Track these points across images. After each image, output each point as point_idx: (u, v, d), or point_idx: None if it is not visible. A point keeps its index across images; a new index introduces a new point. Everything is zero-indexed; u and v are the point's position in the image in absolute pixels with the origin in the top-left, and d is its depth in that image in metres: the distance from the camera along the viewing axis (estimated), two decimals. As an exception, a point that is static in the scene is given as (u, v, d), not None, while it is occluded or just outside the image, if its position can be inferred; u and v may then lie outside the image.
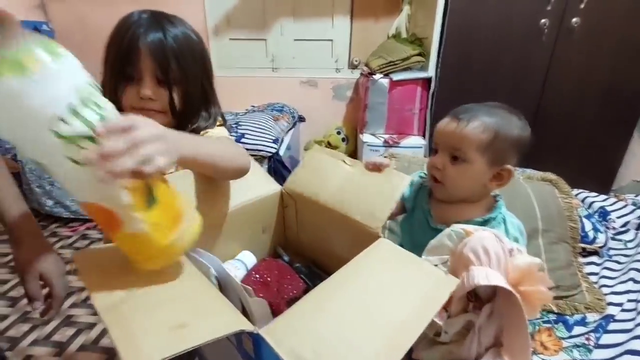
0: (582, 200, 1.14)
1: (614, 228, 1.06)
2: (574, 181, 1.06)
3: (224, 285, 0.54)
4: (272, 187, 0.73)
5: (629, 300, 0.83)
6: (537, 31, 1.76)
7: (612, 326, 0.76)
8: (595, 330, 0.76)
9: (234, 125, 1.94)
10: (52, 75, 0.35)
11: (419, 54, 1.95)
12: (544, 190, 0.99)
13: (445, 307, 0.51)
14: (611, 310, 0.81)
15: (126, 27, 0.61)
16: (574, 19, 1.68)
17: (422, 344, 0.56)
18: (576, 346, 0.73)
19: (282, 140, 2.02)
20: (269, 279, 0.64)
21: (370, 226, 0.59)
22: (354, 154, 2.52)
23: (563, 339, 0.77)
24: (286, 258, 0.75)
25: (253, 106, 2.49)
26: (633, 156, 1.89)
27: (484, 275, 0.46)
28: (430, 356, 0.55)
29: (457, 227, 0.53)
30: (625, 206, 1.11)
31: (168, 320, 0.37)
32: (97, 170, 0.33)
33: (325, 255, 0.72)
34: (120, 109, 0.61)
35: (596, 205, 1.12)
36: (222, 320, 0.39)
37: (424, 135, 2.09)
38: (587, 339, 0.74)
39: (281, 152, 1.95)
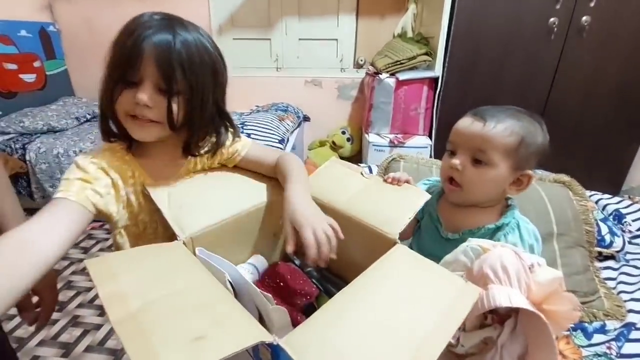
0: (596, 203, 1.12)
1: (630, 231, 1.04)
2: (582, 182, 1.04)
3: (238, 291, 0.53)
4: (282, 190, 0.71)
5: (651, 308, 0.80)
6: (546, 30, 1.73)
7: (635, 335, 0.73)
8: (616, 339, 0.74)
9: (239, 126, 1.93)
10: None
11: (426, 54, 1.93)
12: (558, 193, 0.97)
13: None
14: (632, 317, 0.79)
15: (133, 27, 0.55)
16: (584, 18, 1.66)
17: (439, 357, 0.54)
18: (597, 355, 0.71)
19: (287, 140, 2.01)
20: (281, 283, 0.63)
21: (386, 232, 0.58)
22: (358, 154, 2.50)
23: (582, 347, 0.75)
24: (297, 262, 0.74)
25: (257, 106, 2.48)
26: (643, 157, 1.87)
27: (506, 296, 0.44)
28: None
29: (473, 243, 0.51)
30: (640, 209, 1.09)
31: (187, 331, 0.36)
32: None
33: (338, 259, 0.71)
34: (115, 116, 0.58)
35: (610, 208, 1.10)
36: (242, 331, 0.37)
37: (429, 136, 2.07)
38: (609, 347, 0.72)
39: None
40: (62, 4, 2.50)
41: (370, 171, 1.22)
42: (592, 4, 1.63)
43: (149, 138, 0.60)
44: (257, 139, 1.85)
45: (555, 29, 1.72)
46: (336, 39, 2.43)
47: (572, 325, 0.81)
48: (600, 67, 1.74)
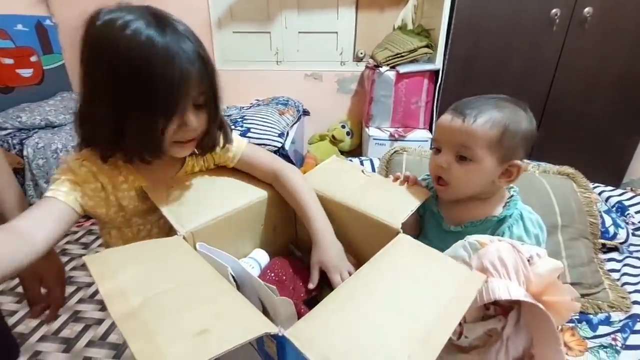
0: (599, 194, 1.12)
1: (633, 223, 1.04)
2: (584, 174, 1.03)
3: (241, 284, 0.52)
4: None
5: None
6: (547, 21, 1.72)
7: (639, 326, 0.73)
8: (621, 331, 0.74)
9: (239, 119, 1.92)
10: None
11: (426, 46, 1.92)
12: (562, 185, 0.97)
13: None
14: (636, 309, 0.79)
15: (149, 53, 0.47)
16: (587, 9, 1.64)
17: (442, 350, 0.54)
18: (602, 347, 0.71)
19: (287, 134, 2.00)
20: (284, 277, 0.63)
21: (389, 222, 0.57)
22: (358, 147, 2.49)
23: (587, 338, 0.75)
24: (299, 254, 0.74)
25: (257, 100, 2.46)
26: (645, 149, 1.86)
27: (505, 289, 0.44)
28: None
29: (472, 238, 0.51)
30: (643, 201, 1.08)
31: (190, 325, 0.35)
32: None
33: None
34: (157, 147, 0.54)
35: (613, 200, 1.10)
36: (246, 323, 0.37)
37: (430, 129, 2.06)
38: (614, 339, 0.72)
39: (287, 146, 1.92)
40: (58, -3, 2.47)
41: (372, 164, 1.21)
42: (594, -5, 1.62)
43: (187, 154, 0.61)
44: (257, 133, 1.84)
45: (557, 20, 1.70)
46: (336, 32, 2.41)
47: (577, 317, 0.81)
48: (603, 59, 1.73)
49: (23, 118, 2.05)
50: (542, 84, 1.84)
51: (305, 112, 2.51)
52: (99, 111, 0.52)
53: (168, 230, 0.62)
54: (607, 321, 0.79)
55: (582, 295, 0.86)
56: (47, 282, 0.64)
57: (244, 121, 1.90)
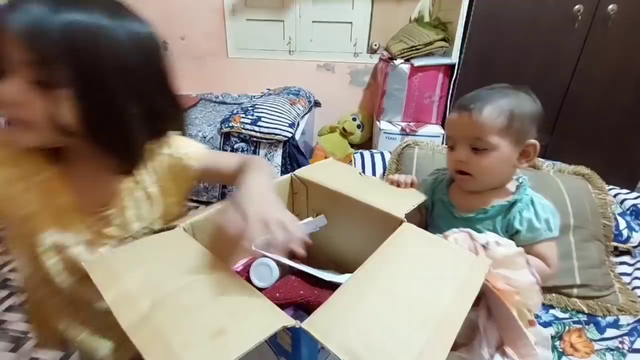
0: (614, 197, 1.10)
1: (647, 227, 1.02)
2: (600, 176, 1.01)
3: None
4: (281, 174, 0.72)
5: (664, 304, 0.79)
6: (570, 18, 1.67)
7: (648, 330, 0.73)
8: (629, 334, 0.73)
9: (250, 108, 1.92)
10: None
11: (443, 39, 1.88)
12: (577, 185, 0.95)
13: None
14: (646, 313, 0.78)
15: None
16: (610, 6, 1.59)
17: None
18: (609, 349, 0.71)
19: (297, 125, 1.99)
20: (299, 299, 0.61)
21: (392, 213, 0.57)
22: (369, 141, 2.47)
23: (594, 340, 0.75)
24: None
25: (269, 89, 2.45)
26: (662, 153, 1.82)
27: None
28: None
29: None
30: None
31: (205, 327, 0.34)
32: None
33: (339, 241, 0.71)
34: None
35: (628, 203, 1.08)
36: (262, 319, 0.36)
37: (442, 125, 2.04)
38: (621, 342, 0.72)
39: (297, 137, 1.92)
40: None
41: (383, 157, 1.20)
42: (620, -9, 1.57)
43: (23, 144, 0.47)
44: (268, 122, 1.83)
45: (580, 17, 1.65)
46: (350, 23, 2.37)
47: (585, 319, 0.80)
48: (625, 58, 1.68)
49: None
50: (560, 82, 1.79)
51: (317, 103, 2.50)
52: None
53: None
54: (615, 324, 0.78)
55: (591, 298, 0.85)
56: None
57: (255, 110, 1.89)
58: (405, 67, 1.92)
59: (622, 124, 1.79)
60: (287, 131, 1.83)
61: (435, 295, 0.41)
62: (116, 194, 0.55)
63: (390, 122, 2.07)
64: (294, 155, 1.90)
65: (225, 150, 1.89)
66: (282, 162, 1.89)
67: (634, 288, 0.87)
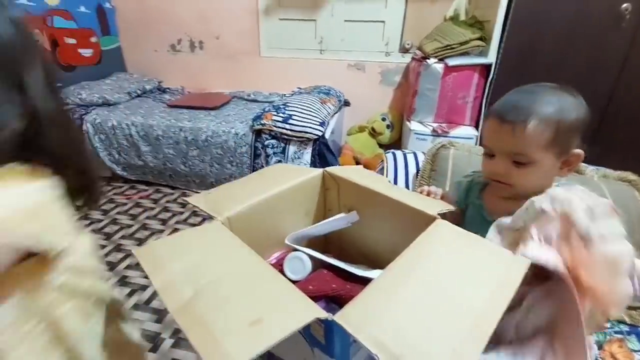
0: (664, 206, 1.03)
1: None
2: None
3: None
4: (313, 170, 0.73)
5: None
6: (616, 17, 1.59)
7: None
8: (675, 347, 0.69)
9: (281, 106, 1.95)
10: None
11: (479, 38, 1.84)
12: (622, 191, 0.90)
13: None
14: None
15: None
16: (664, 4, 1.50)
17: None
18: (653, 361, 0.67)
19: (327, 124, 2.00)
20: (331, 293, 0.63)
21: (425, 210, 0.57)
22: (398, 141, 2.45)
23: (635, 351, 0.72)
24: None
25: (299, 88, 2.48)
26: None
27: (544, 257, 0.44)
28: None
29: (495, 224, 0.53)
30: None
31: (242, 315, 0.36)
32: None
33: (370, 237, 0.71)
34: None
35: (679, 212, 1.01)
36: (296, 310, 0.38)
37: (476, 126, 1.99)
38: (667, 355, 0.68)
39: (327, 136, 1.93)
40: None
41: (416, 158, 1.19)
42: (675, -12, 1.47)
43: None
44: (299, 120, 1.85)
45: (628, 15, 1.57)
46: (383, 21, 2.36)
47: (627, 329, 0.77)
48: (679, 60, 1.58)
49: (83, 95, 2.20)
50: (605, 85, 1.71)
51: (346, 103, 2.50)
52: None
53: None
54: (661, 337, 0.74)
55: (635, 308, 0.81)
56: None
57: (286, 108, 1.92)
58: (439, 67, 1.89)
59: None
60: (318, 129, 1.85)
61: (470, 294, 0.40)
62: None
63: (421, 123, 2.04)
64: (323, 154, 1.92)
65: (257, 147, 1.94)
66: (311, 160, 1.91)
67: (684, 302, 0.82)
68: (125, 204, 2.03)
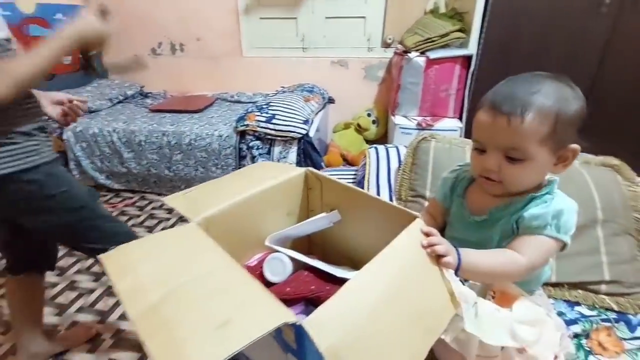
0: (645, 189, 1.03)
1: (683, 220, 0.95)
2: (629, 167, 0.96)
3: None
4: (295, 169, 0.71)
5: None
6: (596, 2, 1.59)
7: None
8: (664, 332, 0.69)
9: (264, 106, 1.92)
10: None
11: (459, 30, 1.84)
12: (605, 177, 0.90)
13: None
14: (682, 310, 0.73)
15: None
16: (641, -13, 1.51)
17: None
18: (641, 348, 0.67)
19: (312, 122, 1.99)
20: (312, 295, 0.61)
21: (407, 210, 0.55)
22: (384, 136, 2.44)
23: (625, 339, 0.71)
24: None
25: (283, 87, 2.46)
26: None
27: None
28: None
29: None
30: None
31: (211, 318, 0.35)
32: None
33: (353, 237, 0.70)
34: None
35: (661, 195, 1.01)
36: (266, 313, 0.37)
37: (460, 118, 1.99)
38: (656, 340, 0.68)
39: (311, 134, 1.91)
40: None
41: (398, 152, 1.18)
42: (651, -29, 1.48)
43: None
44: (282, 119, 1.84)
45: (607, 0, 1.57)
46: (364, 17, 2.35)
47: (615, 317, 0.76)
48: (657, 43, 1.59)
49: (62, 103, 2.15)
50: (587, 72, 1.72)
51: (331, 100, 2.49)
52: None
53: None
54: (647, 322, 0.74)
55: (622, 295, 0.80)
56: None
57: (270, 107, 1.90)
58: (421, 60, 1.88)
59: (654, 112, 1.70)
60: (302, 128, 1.83)
61: (430, 297, 0.41)
62: None
63: (405, 117, 2.03)
64: (309, 153, 1.90)
65: (241, 149, 1.91)
66: (296, 159, 1.89)
67: (668, 285, 0.81)
68: (111, 212, 1.98)
